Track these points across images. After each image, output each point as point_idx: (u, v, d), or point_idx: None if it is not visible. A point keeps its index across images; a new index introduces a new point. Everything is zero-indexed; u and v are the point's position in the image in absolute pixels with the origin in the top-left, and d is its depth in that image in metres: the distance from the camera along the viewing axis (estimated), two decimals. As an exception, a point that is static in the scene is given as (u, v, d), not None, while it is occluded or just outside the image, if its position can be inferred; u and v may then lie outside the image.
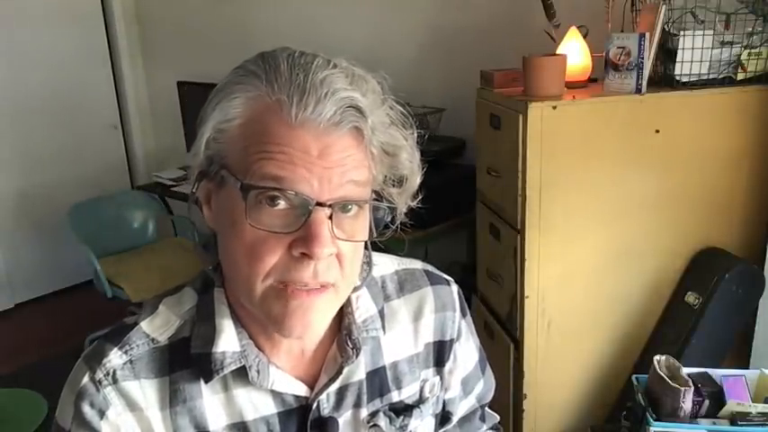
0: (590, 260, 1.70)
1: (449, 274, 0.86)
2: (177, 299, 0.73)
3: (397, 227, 0.69)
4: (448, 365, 0.82)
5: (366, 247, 0.72)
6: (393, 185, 0.67)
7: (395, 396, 0.77)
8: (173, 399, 0.68)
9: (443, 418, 0.86)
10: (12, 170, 3.65)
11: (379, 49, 2.74)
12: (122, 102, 4.11)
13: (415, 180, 0.68)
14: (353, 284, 0.70)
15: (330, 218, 0.60)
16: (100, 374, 0.67)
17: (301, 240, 0.60)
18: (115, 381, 0.67)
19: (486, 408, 0.95)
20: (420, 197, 0.70)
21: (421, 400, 0.80)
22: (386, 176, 0.66)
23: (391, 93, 0.66)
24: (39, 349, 3.16)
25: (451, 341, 0.82)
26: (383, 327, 0.76)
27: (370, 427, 0.75)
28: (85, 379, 0.67)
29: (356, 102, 0.59)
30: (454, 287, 0.84)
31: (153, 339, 0.69)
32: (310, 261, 0.60)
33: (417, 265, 0.83)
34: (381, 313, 0.76)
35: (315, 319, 0.64)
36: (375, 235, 0.67)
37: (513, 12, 2.32)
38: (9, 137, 3.61)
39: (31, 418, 2.58)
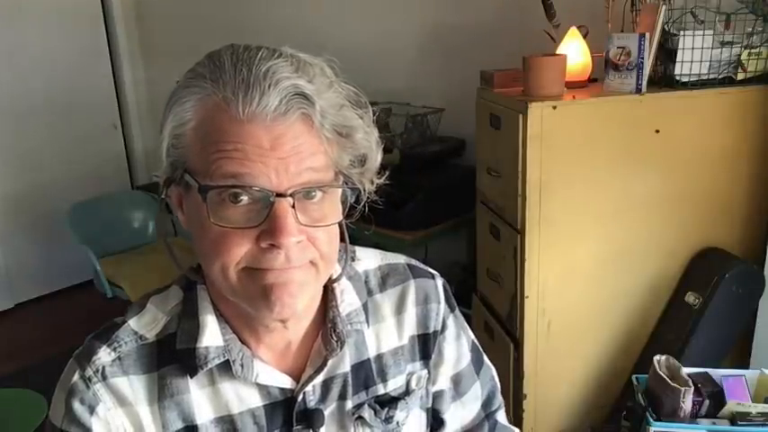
0: (590, 260, 1.70)
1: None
2: (164, 297, 0.74)
3: (364, 207, 0.69)
4: (433, 358, 0.82)
5: (343, 239, 0.72)
6: (354, 166, 0.66)
7: (380, 389, 0.78)
8: (161, 393, 0.69)
9: (436, 420, 0.85)
10: (12, 170, 3.65)
11: (379, 49, 2.74)
12: (122, 102, 4.11)
13: (375, 158, 0.68)
14: (332, 267, 0.70)
15: (294, 206, 0.61)
16: (89, 371, 0.68)
17: (267, 232, 0.61)
18: (104, 377, 0.68)
19: (501, 418, 0.91)
20: (386, 174, 0.71)
21: (407, 393, 0.80)
22: (351, 160, 0.66)
23: (342, 74, 0.66)
24: (39, 349, 3.16)
25: (435, 333, 0.81)
26: (367, 321, 0.76)
27: (356, 419, 0.75)
28: (75, 377, 0.68)
29: (301, 88, 0.60)
30: (439, 281, 0.83)
31: (141, 336, 0.71)
32: (279, 250, 0.61)
33: (401, 259, 0.83)
34: (365, 307, 0.77)
35: (293, 292, 0.64)
36: (343, 217, 0.68)
37: (513, 12, 2.32)
38: (9, 137, 3.61)
39: (31, 418, 2.57)
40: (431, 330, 0.81)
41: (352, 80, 0.67)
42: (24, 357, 3.12)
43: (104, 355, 0.69)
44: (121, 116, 4.12)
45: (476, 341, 0.89)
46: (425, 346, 0.81)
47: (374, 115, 0.68)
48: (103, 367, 0.68)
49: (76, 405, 0.67)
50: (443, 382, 0.84)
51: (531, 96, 1.61)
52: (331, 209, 0.65)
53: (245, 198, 0.61)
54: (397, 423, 0.78)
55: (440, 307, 0.81)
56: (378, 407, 0.77)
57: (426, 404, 0.83)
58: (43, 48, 3.66)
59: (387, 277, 0.80)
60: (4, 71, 3.54)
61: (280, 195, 0.60)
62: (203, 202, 0.61)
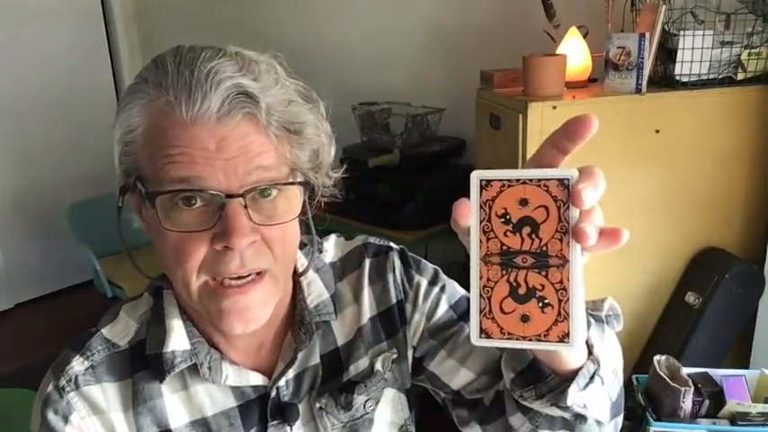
0: (589, 260, 1.70)
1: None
2: (135, 304, 0.76)
3: (319, 202, 0.69)
4: (414, 321, 0.77)
5: (310, 232, 0.72)
6: (311, 162, 0.66)
7: (345, 376, 0.77)
8: (135, 400, 0.70)
9: (459, 402, 0.77)
10: (11, 170, 3.65)
11: (379, 49, 2.74)
12: (122, 102, 4.10)
13: (328, 152, 0.67)
14: (290, 267, 0.70)
15: (246, 206, 0.60)
16: (63, 381, 0.69)
17: (220, 234, 0.60)
18: (77, 386, 0.69)
19: None
20: (343, 168, 0.71)
21: (369, 376, 0.77)
22: (309, 156, 0.65)
23: (291, 70, 0.65)
24: (39, 349, 3.15)
25: (399, 302, 0.78)
26: (335, 311, 0.76)
27: (318, 409, 0.75)
28: (50, 387, 0.69)
29: (244, 88, 0.59)
30: (394, 252, 0.80)
31: (113, 344, 0.72)
32: (234, 252, 0.61)
33: (358, 242, 0.82)
34: (333, 298, 0.77)
35: (253, 313, 0.64)
36: (310, 212, 0.68)
37: (513, 12, 2.32)
38: (9, 136, 3.61)
39: (30, 419, 2.58)
40: (393, 302, 0.77)
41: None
42: (24, 357, 3.11)
43: (77, 365, 0.69)
44: (121, 116, 4.12)
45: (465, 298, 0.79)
46: (390, 321, 0.78)
47: (327, 110, 0.68)
48: (76, 376, 0.69)
49: (51, 415, 0.68)
50: (425, 342, 0.78)
51: (531, 96, 1.61)
52: (286, 206, 0.64)
53: (197, 201, 0.60)
54: (364, 407, 0.76)
55: (396, 275, 0.78)
56: (336, 393, 0.76)
57: (404, 385, 0.80)
58: (43, 48, 3.65)
59: (346, 264, 0.80)
60: (3, 71, 3.54)
61: (230, 196, 0.59)
62: (152, 207, 0.61)
